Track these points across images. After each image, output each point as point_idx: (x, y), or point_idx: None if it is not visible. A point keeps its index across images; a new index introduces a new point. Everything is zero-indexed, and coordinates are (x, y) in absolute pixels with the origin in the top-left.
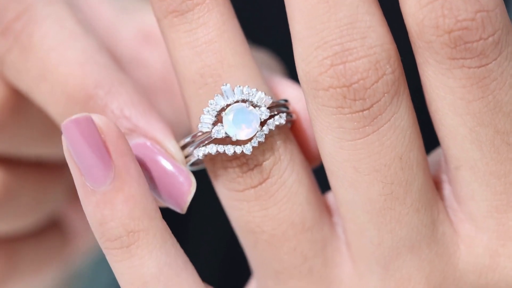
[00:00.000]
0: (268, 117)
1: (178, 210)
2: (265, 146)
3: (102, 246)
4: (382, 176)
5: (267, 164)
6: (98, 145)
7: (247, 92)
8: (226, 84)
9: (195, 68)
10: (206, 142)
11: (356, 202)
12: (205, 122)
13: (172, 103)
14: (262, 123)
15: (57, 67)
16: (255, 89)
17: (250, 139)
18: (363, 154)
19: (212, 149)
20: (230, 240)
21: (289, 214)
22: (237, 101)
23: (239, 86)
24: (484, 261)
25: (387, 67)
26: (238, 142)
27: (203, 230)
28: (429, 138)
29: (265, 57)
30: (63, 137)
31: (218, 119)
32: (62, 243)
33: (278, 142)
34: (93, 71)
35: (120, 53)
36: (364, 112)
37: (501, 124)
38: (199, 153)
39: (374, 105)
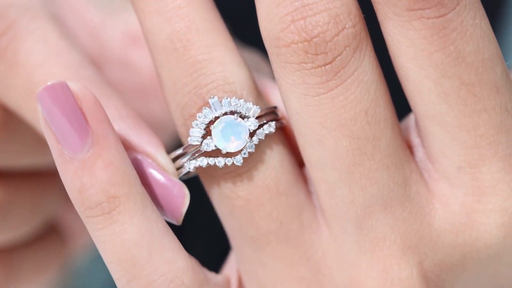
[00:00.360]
0: (257, 127)
1: (174, 222)
2: (255, 156)
3: (83, 216)
4: (348, 131)
5: (256, 173)
6: (75, 111)
7: (235, 104)
8: (213, 97)
9: (165, 34)
10: (196, 155)
11: (325, 160)
12: (194, 136)
13: (163, 104)
14: (252, 134)
15: (44, 83)
16: (242, 100)
17: (240, 151)
18: (328, 109)
19: (202, 162)
20: (224, 250)
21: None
22: (226, 113)
23: (227, 98)
24: (461, 219)
25: (347, 20)
26: (228, 154)
27: (196, 241)
28: (403, 105)
29: (254, 58)
30: (38, 105)
31: (207, 132)
32: (60, 245)
33: (268, 151)
34: None
35: (108, 56)
36: (327, 66)
37: (466, 74)
38: (190, 166)
39: (336, 59)
